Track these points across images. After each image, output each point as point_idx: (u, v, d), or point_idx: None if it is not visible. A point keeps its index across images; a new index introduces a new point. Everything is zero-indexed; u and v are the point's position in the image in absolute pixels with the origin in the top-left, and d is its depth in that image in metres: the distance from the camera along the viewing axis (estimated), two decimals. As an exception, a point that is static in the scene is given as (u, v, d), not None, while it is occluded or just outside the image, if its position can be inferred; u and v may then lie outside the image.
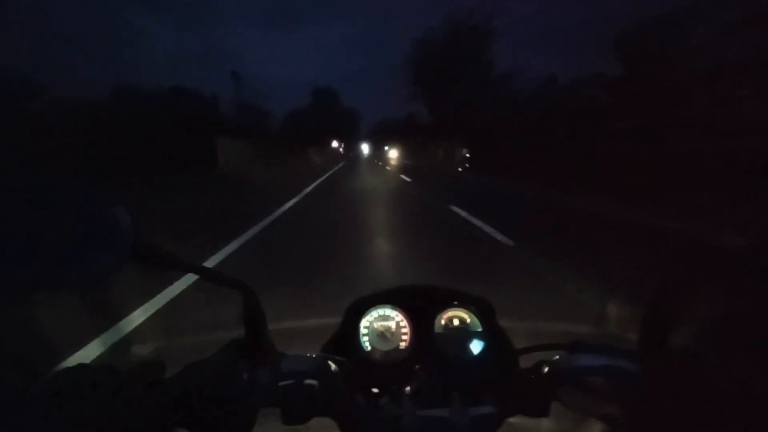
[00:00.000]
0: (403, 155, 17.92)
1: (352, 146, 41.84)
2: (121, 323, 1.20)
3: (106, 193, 0.16)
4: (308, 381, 0.26)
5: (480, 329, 0.30)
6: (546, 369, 0.27)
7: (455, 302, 0.32)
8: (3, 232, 0.15)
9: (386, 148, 35.63)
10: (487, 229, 2.39)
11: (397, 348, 0.30)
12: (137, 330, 1.13)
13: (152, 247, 0.18)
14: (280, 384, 0.26)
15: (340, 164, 13.66)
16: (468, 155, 10.13)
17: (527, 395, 0.27)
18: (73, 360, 1.01)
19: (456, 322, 0.31)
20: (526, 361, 0.28)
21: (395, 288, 0.32)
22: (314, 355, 0.27)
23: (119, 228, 0.16)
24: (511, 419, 0.28)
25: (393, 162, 16.80)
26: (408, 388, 0.27)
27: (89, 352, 1.02)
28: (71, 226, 0.15)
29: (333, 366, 0.27)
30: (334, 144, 21.14)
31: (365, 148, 41.20)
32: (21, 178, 0.15)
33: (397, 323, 0.31)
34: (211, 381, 0.22)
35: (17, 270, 0.15)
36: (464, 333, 0.31)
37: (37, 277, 0.15)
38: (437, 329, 0.31)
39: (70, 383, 0.19)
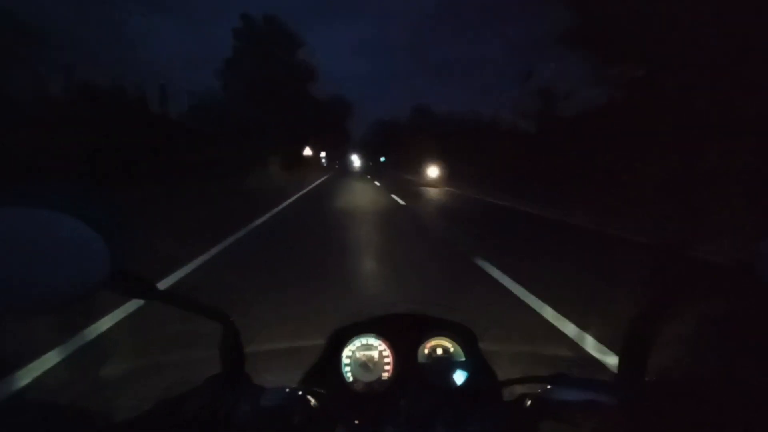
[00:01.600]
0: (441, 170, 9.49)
1: (337, 155, 37.75)
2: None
3: (83, 218, 0.16)
4: (289, 417, 0.26)
5: (463, 359, 0.31)
6: (529, 402, 0.27)
7: (438, 331, 0.32)
8: None
9: (382, 159, 35.23)
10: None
11: (379, 379, 0.30)
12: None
13: (128, 275, 0.18)
14: (260, 420, 0.25)
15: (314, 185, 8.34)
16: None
17: (510, 428, 0.27)
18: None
19: (439, 351, 0.32)
20: (509, 393, 0.29)
21: (378, 316, 0.32)
22: (293, 389, 0.26)
23: (92, 257, 0.16)
24: None
25: (433, 185, 8.33)
26: (392, 423, 0.27)
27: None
28: (41, 253, 0.15)
29: (313, 401, 0.26)
30: (307, 152, 14.89)
31: (356, 160, 38.47)
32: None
33: (380, 353, 0.31)
34: (191, 420, 0.22)
35: None
36: (447, 363, 0.31)
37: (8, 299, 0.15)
38: (420, 359, 0.31)
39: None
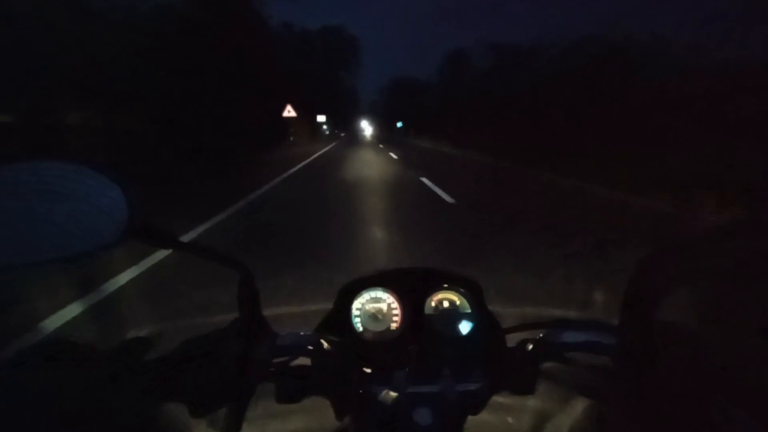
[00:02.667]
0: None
1: (343, 122, 36.57)
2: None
3: (104, 169, 0.18)
4: (302, 358, 0.29)
5: (469, 310, 0.34)
6: (531, 346, 0.30)
7: (445, 285, 0.35)
8: None
9: (399, 124, 32.68)
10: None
11: (388, 329, 0.34)
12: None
13: (148, 225, 0.20)
14: (275, 361, 0.28)
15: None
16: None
17: (513, 372, 0.30)
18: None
19: (446, 303, 0.34)
20: (512, 341, 0.31)
21: (386, 271, 0.36)
22: (308, 334, 0.30)
23: (113, 207, 0.18)
24: (500, 399, 0.32)
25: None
26: (399, 367, 0.30)
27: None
28: (63, 205, 0.17)
29: (326, 344, 0.30)
30: (289, 112, 10.04)
31: (366, 127, 37.53)
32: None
33: (389, 305, 0.34)
34: (208, 357, 0.25)
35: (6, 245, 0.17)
36: (454, 314, 0.34)
37: (24, 254, 0.17)
38: (428, 310, 0.34)
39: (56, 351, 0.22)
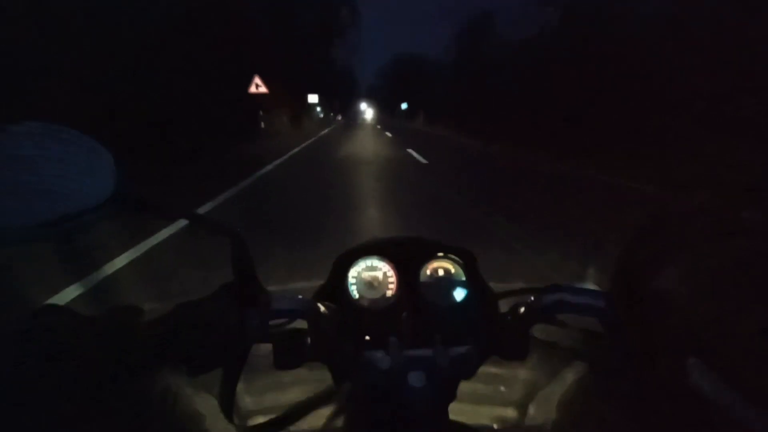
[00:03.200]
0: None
1: (341, 106, 37.73)
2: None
3: (92, 138, 0.21)
4: (298, 321, 0.34)
5: (463, 278, 0.40)
6: (522, 309, 0.36)
7: (440, 254, 0.41)
8: None
9: (403, 105, 33.42)
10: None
11: (384, 296, 0.40)
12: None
13: (138, 195, 0.23)
14: (271, 323, 0.33)
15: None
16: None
17: (505, 336, 0.37)
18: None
19: (441, 272, 0.41)
20: (505, 307, 0.38)
21: (382, 239, 0.42)
22: (303, 298, 0.35)
23: (100, 171, 0.21)
24: (492, 369, 0.40)
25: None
26: (394, 332, 0.36)
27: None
28: (51, 171, 0.20)
29: (322, 308, 0.36)
30: (258, 87, 8.65)
31: (365, 110, 39.69)
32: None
33: (384, 273, 0.41)
34: (202, 318, 0.29)
35: None
36: (448, 282, 0.40)
37: (13, 224, 0.20)
38: (422, 278, 0.40)
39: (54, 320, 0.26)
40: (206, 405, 0.33)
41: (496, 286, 0.40)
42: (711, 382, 0.26)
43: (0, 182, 0.20)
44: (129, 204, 0.24)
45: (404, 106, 34.70)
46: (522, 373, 0.44)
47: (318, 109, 23.02)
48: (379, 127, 19.20)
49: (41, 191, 0.20)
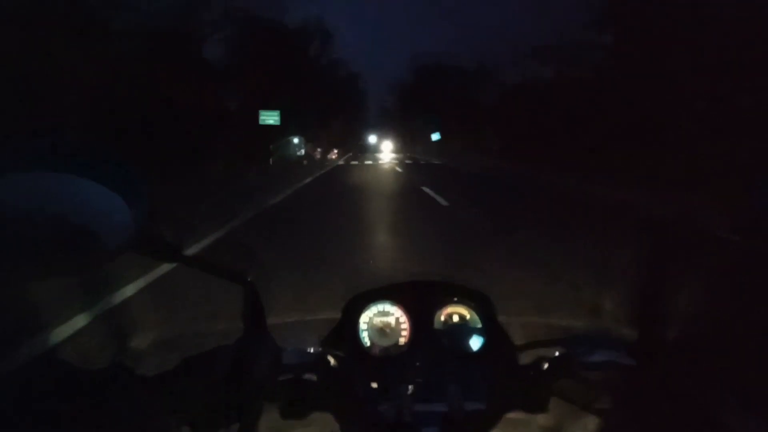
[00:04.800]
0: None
1: (342, 137, 42.52)
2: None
3: (109, 181, 0.32)
4: (307, 375, 0.52)
5: (480, 325, 0.61)
6: (546, 365, 0.54)
7: (455, 298, 0.62)
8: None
9: (435, 136, 36.77)
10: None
11: (396, 344, 0.61)
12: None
13: (152, 237, 0.36)
14: (280, 378, 0.52)
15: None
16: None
17: (526, 391, 0.54)
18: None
19: (456, 318, 0.62)
20: (524, 358, 0.57)
21: (394, 284, 0.64)
22: (313, 350, 0.55)
23: (118, 219, 0.32)
24: (509, 415, 0.55)
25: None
26: (407, 384, 0.54)
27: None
28: (68, 213, 0.30)
29: (332, 361, 0.55)
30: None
31: (378, 143, 44.60)
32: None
33: (396, 319, 0.62)
34: (212, 377, 0.43)
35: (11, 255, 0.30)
36: (464, 329, 0.61)
37: (29, 262, 0.31)
38: (437, 325, 0.61)
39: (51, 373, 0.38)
40: None
41: (509, 320, 0.60)
42: (738, 417, 0.42)
43: (48, 227, 0.30)
44: (141, 249, 0.37)
45: (436, 137, 37.69)
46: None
47: (296, 141, 26.31)
48: (409, 175, 17.24)
49: (55, 242, 0.31)
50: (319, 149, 32.90)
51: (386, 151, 41.30)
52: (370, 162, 28.59)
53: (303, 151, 27.09)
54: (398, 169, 21.30)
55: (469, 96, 38.40)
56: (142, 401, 0.41)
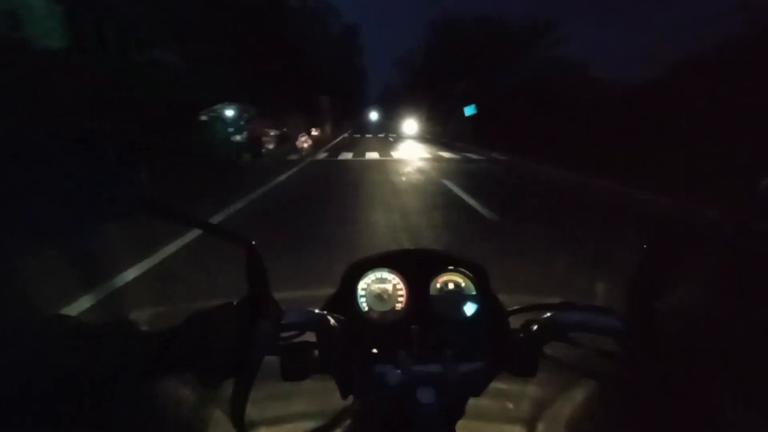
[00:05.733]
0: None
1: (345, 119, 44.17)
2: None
3: (120, 147, 0.56)
4: (308, 334, 0.81)
5: (474, 293, 0.89)
6: (534, 327, 0.82)
7: (450, 267, 0.91)
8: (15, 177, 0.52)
9: (469, 109, 35.54)
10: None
11: (393, 309, 0.89)
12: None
13: (158, 201, 0.62)
14: (281, 335, 0.80)
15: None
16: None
17: (516, 353, 0.82)
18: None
19: (451, 285, 0.90)
20: (516, 323, 0.85)
21: (392, 252, 0.92)
22: (314, 311, 0.84)
23: (129, 180, 0.60)
24: (500, 385, 0.88)
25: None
26: (403, 346, 0.81)
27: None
28: (82, 175, 0.55)
29: (332, 321, 0.82)
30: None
31: (408, 126, 42.77)
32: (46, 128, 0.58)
33: (394, 286, 0.90)
34: (213, 329, 0.69)
35: (26, 215, 0.52)
36: (458, 296, 0.89)
37: (44, 221, 0.53)
38: (432, 292, 0.89)
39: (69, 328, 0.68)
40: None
41: (506, 299, 0.88)
42: (735, 404, 0.59)
43: (51, 191, 0.51)
44: (154, 210, 0.60)
45: (470, 111, 36.46)
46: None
47: (228, 113, 18.54)
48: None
49: (84, 198, 0.54)
50: (274, 132, 22.35)
51: (407, 132, 39.41)
52: (373, 156, 21.73)
53: (243, 135, 18.57)
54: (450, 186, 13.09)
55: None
56: (149, 357, 0.61)
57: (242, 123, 18.63)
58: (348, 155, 22.09)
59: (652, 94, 19.72)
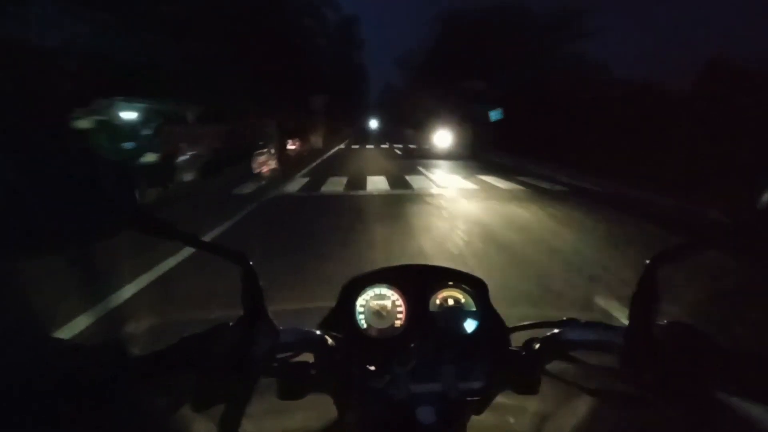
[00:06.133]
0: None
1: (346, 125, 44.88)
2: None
3: (112, 161, 0.61)
4: (305, 354, 0.93)
5: (474, 309, 1.02)
6: (537, 345, 0.94)
7: (450, 282, 1.04)
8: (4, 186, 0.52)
9: (494, 115, 34.84)
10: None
11: (392, 326, 1.01)
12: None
13: (150, 216, 0.72)
14: (278, 356, 0.91)
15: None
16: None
17: (517, 371, 0.94)
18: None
19: (451, 301, 1.04)
20: (517, 340, 0.98)
21: (391, 268, 1.06)
22: (311, 331, 0.96)
23: (120, 195, 0.64)
24: (502, 400, 0.98)
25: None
26: (402, 364, 0.93)
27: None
28: (74, 187, 0.58)
29: (329, 341, 0.95)
30: None
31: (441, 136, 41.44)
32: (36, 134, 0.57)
33: (393, 302, 1.03)
34: (209, 351, 0.79)
35: (13, 225, 0.53)
36: (459, 312, 1.02)
37: (34, 233, 0.55)
38: (432, 308, 1.03)
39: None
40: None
41: (507, 312, 0.99)
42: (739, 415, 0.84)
43: (40, 200, 0.53)
44: (148, 225, 0.69)
45: (496, 115, 35.04)
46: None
47: (128, 116, 13.47)
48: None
49: (53, 219, 0.55)
50: (194, 152, 15.86)
51: (438, 145, 32.08)
52: (378, 187, 15.81)
53: (155, 155, 13.42)
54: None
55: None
56: (142, 400, 0.67)
57: (149, 134, 13.53)
58: (338, 185, 16.15)
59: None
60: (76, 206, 0.58)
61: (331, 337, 0.90)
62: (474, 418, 0.93)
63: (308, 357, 0.89)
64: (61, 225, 0.56)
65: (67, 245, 0.62)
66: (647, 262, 0.80)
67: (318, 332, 0.91)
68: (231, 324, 0.82)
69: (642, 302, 0.80)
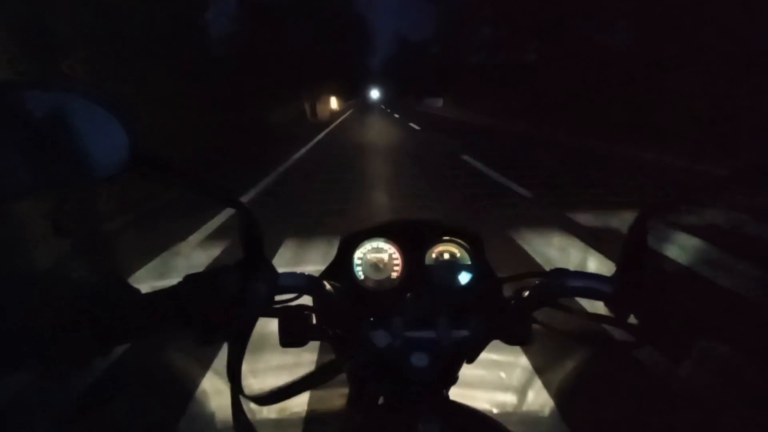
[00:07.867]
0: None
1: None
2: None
3: (110, 99, 0.56)
4: (304, 298, 0.96)
5: (469, 262, 1.06)
6: (526, 294, 0.98)
7: (446, 237, 1.07)
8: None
9: None
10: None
11: (389, 278, 1.06)
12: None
13: (152, 155, 0.63)
14: (278, 299, 0.94)
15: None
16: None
17: (509, 320, 0.99)
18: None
19: (446, 255, 1.07)
20: (510, 291, 1.01)
21: (388, 222, 1.09)
22: (310, 275, 0.98)
23: (119, 133, 0.58)
24: (493, 355, 1.25)
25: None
26: (398, 314, 0.97)
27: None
28: (72, 128, 0.55)
29: (328, 286, 0.99)
30: None
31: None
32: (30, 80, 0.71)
33: (390, 255, 1.07)
34: (208, 287, 0.78)
35: (16, 167, 0.53)
36: (453, 265, 1.06)
37: (36, 174, 0.55)
38: (428, 261, 1.07)
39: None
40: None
41: (503, 269, 1.01)
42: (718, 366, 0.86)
43: (35, 141, 0.52)
44: (150, 165, 0.62)
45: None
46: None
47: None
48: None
49: (71, 152, 0.54)
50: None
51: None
52: None
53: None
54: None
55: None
56: (144, 314, 0.69)
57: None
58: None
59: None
60: (76, 146, 0.56)
61: (330, 284, 0.93)
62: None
63: (307, 301, 0.92)
64: (61, 165, 0.55)
65: (68, 184, 0.60)
66: (639, 212, 0.81)
67: (316, 277, 0.93)
68: (231, 266, 0.83)
69: (630, 251, 0.83)
